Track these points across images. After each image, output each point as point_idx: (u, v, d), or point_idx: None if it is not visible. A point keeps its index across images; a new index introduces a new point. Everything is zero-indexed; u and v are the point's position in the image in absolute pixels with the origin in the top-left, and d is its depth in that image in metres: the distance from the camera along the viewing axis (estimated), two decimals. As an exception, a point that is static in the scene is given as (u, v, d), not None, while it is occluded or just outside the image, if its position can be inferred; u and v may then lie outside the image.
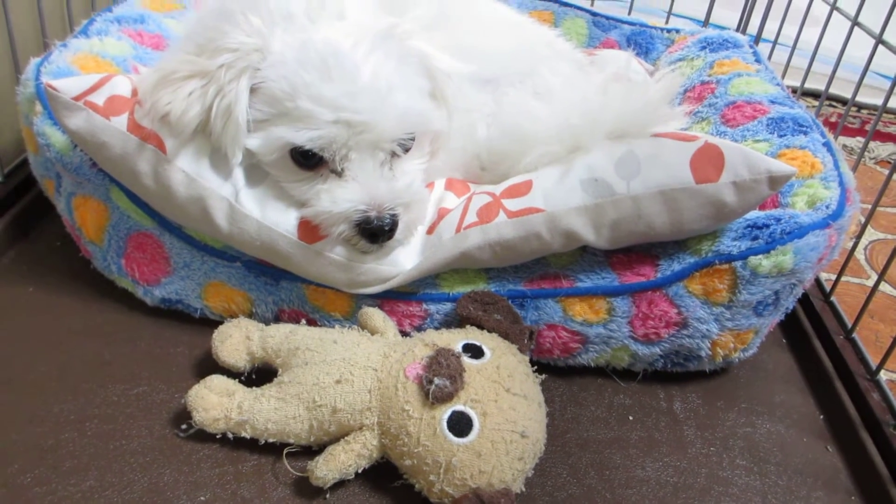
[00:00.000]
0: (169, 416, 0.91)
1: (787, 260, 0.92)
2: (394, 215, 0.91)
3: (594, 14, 1.56)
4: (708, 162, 0.90)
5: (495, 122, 1.05)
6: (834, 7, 1.32)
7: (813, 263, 0.94)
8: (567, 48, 1.25)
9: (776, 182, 0.89)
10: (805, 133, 1.09)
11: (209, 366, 0.93)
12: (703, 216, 0.91)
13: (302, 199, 0.94)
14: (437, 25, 1.11)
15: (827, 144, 1.07)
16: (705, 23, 1.85)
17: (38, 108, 1.01)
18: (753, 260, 0.92)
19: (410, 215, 0.93)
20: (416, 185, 0.96)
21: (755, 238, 0.93)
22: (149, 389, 0.94)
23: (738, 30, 1.84)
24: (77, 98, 0.92)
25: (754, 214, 0.95)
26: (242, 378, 0.91)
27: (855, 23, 1.24)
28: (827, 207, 0.96)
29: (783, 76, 1.54)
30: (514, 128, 1.02)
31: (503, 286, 0.98)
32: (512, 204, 0.95)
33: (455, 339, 0.86)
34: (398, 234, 0.92)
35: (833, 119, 2.01)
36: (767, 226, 0.93)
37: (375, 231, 0.90)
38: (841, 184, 1.00)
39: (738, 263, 0.93)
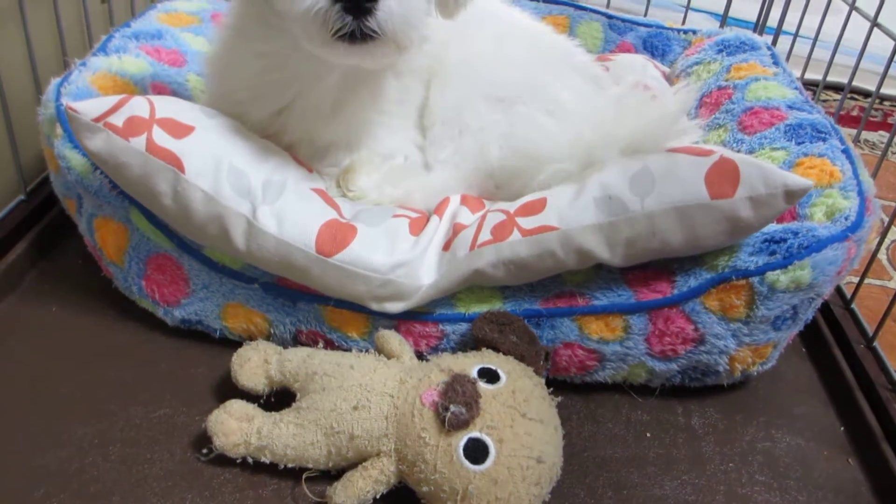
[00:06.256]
0: (190, 440, 0.92)
1: (805, 275, 0.91)
2: None
3: (609, 17, 1.55)
4: (723, 177, 0.89)
5: (507, 140, 1.05)
6: (853, 7, 1.30)
7: (832, 277, 0.94)
8: (585, 60, 1.24)
9: (793, 196, 0.89)
10: (824, 140, 1.08)
11: (229, 387, 0.94)
12: (719, 232, 0.91)
13: None
14: (453, 39, 1.11)
15: (846, 151, 1.07)
16: (724, 16, 1.83)
17: (59, 130, 1.03)
18: (771, 275, 0.92)
19: (398, 0, 0.85)
20: None
21: (772, 253, 0.92)
22: (170, 412, 0.95)
23: (757, 22, 1.82)
24: (97, 119, 0.93)
25: (771, 228, 0.95)
26: (262, 401, 0.92)
27: (874, 24, 1.22)
28: (846, 219, 0.95)
29: (804, 69, 1.52)
30: (527, 146, 1.02)
31: (519, 305, 0.98)
32: (526, 222, 0.95)
33: (470, 364, 0.86)
34: (381, 13, 0.84)
35: (855, 112, 1.98)
36: (784, 240, 0.93)
37: None
38: (860, 193, 0.99)
39: (756, 279, 0.92)
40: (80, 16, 1.37)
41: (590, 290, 0.98)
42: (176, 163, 0.93)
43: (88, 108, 0.93)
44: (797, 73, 1.50)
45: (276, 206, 0.95)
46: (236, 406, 0.88)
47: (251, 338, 1.02)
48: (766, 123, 1.14)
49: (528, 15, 1.28)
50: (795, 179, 0.88)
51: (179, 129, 0.94)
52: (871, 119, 2.00)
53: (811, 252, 0.91)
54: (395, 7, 0.85)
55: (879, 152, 1.85)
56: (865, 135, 1.92)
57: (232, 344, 1.01)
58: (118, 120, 0.93)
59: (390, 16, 0.85)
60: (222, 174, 0.94)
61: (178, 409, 0.96)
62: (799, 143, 1.08)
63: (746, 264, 0.93)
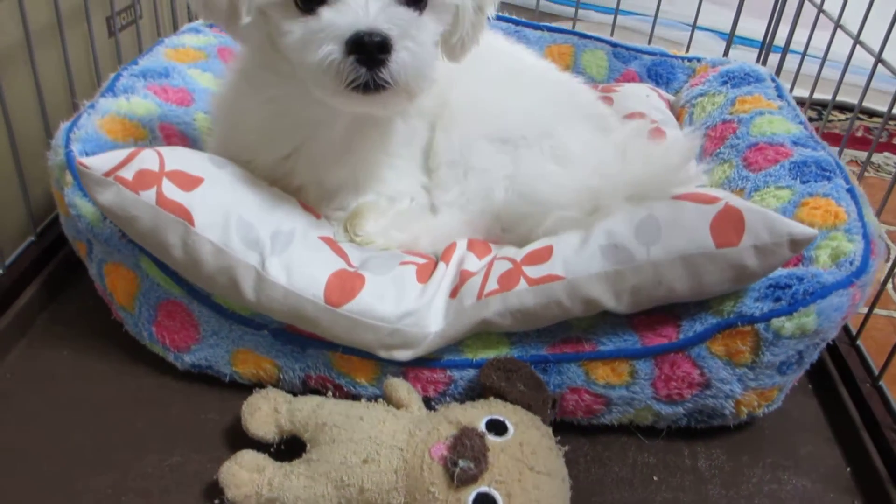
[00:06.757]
0: (202, 489, 0.93)
1: (811, 321, 0.92)
2: (387, 36, 0.85)
3: (614, 45, 1.56)
4: (729, 225, 0.90)
5: (512, 183, 1.06)
6: (857, 41, 1.31)
7: (837, 322, 0.94)
8: (589, 98, 1.25)
9: (797, 245, 0.89)
10: (828, 179, 1.09)
11: (239, 432, 0.95)
12: (725, 279, 0.92)
13: (294, 43, 0.90)
14: (458, 80, 1.12)
15: (851, 191, 1.07)
16: (729, 38, 1.84)
17: (69, 178, 1.04)
18: (776, 322, 0.92)
19: (410, 52, 0.87)
20: (423, 36, 0.91)
21: (777, 299, 0.93)
22: (182, 460, 0.96)
23: (764, 41, 1.83)
24: (107, 174, 0.94)
25: (777, 273, 0.95)
26: (273, 449, 0.93)
27: (878, 60, 1.22)
28: (850, 264, 0.96)
29: (812, 90, 1.51)
30: (532, 192, 1.03)
31: (526, 351, 0.99)
32: (532, 271, 0.96)
33: (478, 416, 0.87)
34: (394, 65, 0.86)
35: (859, 133, 1.98)
36: (790, 286, 0.93)
37: (365, 43, 0.84)
38: (865, 235, 1.00)
39: (761, 326, 0.93)
40: (87, 50, 1.38)
41: (596, 335, 0.99)
42: (185, 215, 0.94)
43: (99, 164, 0.94)
44: (805, 93, 1.50)
45: (284, 257, 0.96)
46: (247, 457, 0.89)
47: (261, 383, 1.03)
48: (771, 160, 1.15)
49: (532, 53, 1.29)
50: (801, 229, 0.89)
51: (189, 182, 0.96)
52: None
53: (816, 298, 0.92)
54: (408, 59, 0.87)
55: (884, 174, 1.86)
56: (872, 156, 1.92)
57: (242, 388, 1.02)
58: (128, 174, 0.94)
59: (403, 67, 0.87)
60: (231, 226, 0.95)
61: (189, 457, 0.97)
62: (804, 182, 1.09)
63: (752, 310, 0.93)
